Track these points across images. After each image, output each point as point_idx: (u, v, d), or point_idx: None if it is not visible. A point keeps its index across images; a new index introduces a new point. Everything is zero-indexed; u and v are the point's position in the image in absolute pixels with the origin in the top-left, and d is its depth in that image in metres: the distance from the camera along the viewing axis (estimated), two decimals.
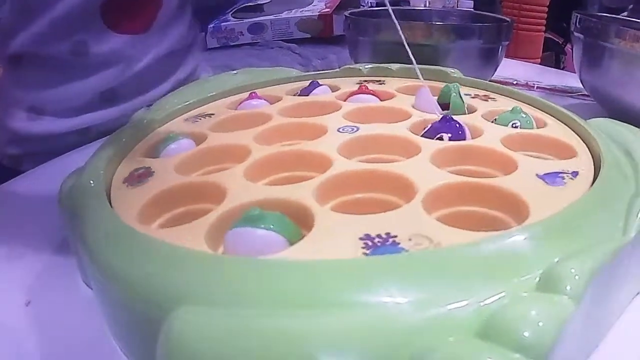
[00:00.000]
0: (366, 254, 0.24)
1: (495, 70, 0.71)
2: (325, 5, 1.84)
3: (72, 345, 0.30)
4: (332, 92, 0.51)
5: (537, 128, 0.39)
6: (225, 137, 0.40)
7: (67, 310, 0.33)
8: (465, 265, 0.22)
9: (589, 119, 0.42)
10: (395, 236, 0.25)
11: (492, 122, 0.41)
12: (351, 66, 0.58)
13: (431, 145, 0.35)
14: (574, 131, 0.40)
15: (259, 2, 2.02)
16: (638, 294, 0.31)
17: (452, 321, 0.20)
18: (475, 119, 0.41)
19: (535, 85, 0.77)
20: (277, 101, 0.48)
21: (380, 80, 0.54)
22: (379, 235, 0.25)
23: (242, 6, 1.94)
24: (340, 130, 0.39)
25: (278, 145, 0.38)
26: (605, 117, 0.48)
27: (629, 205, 0.28)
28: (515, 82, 0.77)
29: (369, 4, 2.64)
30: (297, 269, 0.22)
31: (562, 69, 2.85)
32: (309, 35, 1.87)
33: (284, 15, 1.84)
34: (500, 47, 0.68)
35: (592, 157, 0.35)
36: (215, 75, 0.60)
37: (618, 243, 0.24)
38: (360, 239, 0.25)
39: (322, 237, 0.25)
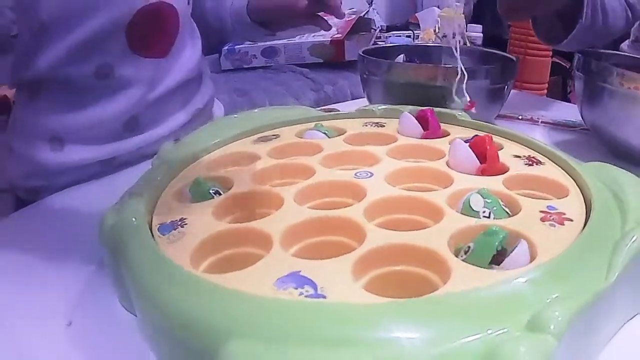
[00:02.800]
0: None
1: (502, 106, 0.74)
2: (337, 30, 1.89)
3: None
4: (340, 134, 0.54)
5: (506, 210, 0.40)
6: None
7: (107, 331, 0.37)
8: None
9: (589, 153, 0.46)
10: None
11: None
12: (365, 107, 0.62)
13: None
14: (569, 174, 0.44)
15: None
16: (625, 323, 0.35)
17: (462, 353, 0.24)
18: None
19: (540, 120, 0.80)
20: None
21: (379, 123, 0.58)
22: None
23: None
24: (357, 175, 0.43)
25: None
26: (605, 151, 0.52)
27: (613, 250, 0.31)
28: (520, 117, 0.81)
29: (380, 28, 2.69)
30: (333, 311, 0.26)
31: (569, 93, 2.88)
32: (321, 60, 1.92)
33: (297, 40, 1.89)
34: (507, 86, 0.72)
35: (584, 201, 0.39)
36: (239, 114, 0.64)
37: (600, 287, 0.28)
38: None
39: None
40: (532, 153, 0.48)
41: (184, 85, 0.77)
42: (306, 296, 0.28)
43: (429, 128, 0.53)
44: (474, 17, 3.08)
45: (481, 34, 2.66)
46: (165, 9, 0.69)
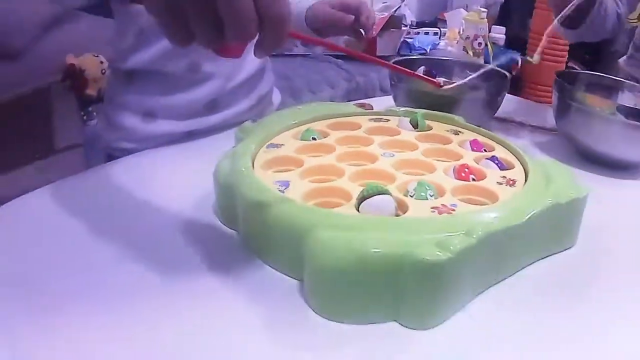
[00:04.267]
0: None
1: (495, 112, 0.95)
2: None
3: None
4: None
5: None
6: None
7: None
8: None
9: (559, 152, 0.70)
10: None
11: None
12: (392, 108, 0.83)
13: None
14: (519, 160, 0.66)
15: None
16: (537, 260, 0.57)
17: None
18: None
19: (528, 123, 1.01)
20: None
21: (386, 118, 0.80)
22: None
23: None
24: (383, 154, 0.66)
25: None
26: (572, 151, 0.75)
27: (532, 202, 0.54)
28: (511, 120, 1.02)
29: (410, 24, 2.88)
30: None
31: None
32: None
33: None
34: (500, 97, 0.93)
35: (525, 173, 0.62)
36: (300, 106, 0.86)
37: (511, 224, 0.51)
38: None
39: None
40: (504, 150, 0.70)
41: (252, 77, 0.99)
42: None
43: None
44: (499, 19, 3.26)
45: (504, 36, 2.83)
46: None
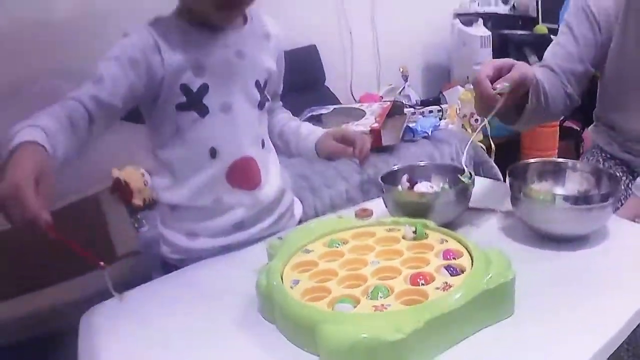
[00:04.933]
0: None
1: (466, 207, 1.16)
2: (375, 119, 2.38)
3: None
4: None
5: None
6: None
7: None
8: None
9: (517, 232, 1.05)
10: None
11: None
12: (396, 219, 1.05)
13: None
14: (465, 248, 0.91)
15: (320, 112, 2.57)
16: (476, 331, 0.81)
17: None
18: None
19: (497, 209, 1.23)
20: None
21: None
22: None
23: (308, 116, 2.49)
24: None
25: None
26: (527, 231, 1.02)
27: (469, 285, 0.79)
28: (480, 208, 1.24)
29: (415, 103, 3.16)
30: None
31: (582, 153, 3.26)
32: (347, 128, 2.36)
33: (343, 128, 2.37)
34: (468, 194, 1.16)
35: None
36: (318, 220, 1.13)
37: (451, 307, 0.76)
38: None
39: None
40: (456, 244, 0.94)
41: (272, 202, 1.25)
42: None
43: None
44: None
45: None
46: (249, 160, 1.19)
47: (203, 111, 1.13)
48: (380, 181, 1.18)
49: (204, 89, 1.13)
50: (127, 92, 1.06)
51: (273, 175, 1.25)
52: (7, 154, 0.83)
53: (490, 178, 2.61)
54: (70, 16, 2.50)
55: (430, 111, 2.97)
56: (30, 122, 0.90)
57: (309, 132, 1.32)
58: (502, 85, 1.16)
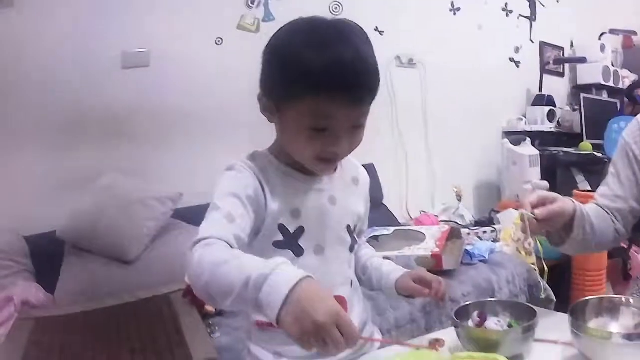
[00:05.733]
0: None
1: (532, 340, 1.28)
2: (435, 243, 2.53)
3: None
4: None
5: None
6: None
7: None
8: None
9: None
10: None
11: None
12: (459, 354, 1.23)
13: None
14: None
15: (382, 233, 2.73)
16: None
17: None
18: None
19: (559, 341, 1.35)
20: None
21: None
22: None
23: (370, 236, 2.64)
24: None
25: None
26: None
27: None
28: (546, 341, 1.38)
29: (469, 223, 3.31)
30: None
31: (629, 270, 3.32)
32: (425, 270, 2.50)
33: (405, 252, 2.53)
34: (533, 330, 1.28)
35: None
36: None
37: None
38: None
39: None
40: None
41: (360, 329, 1.38)
42: None
43: None
44: None
45: None
46: (339, 300, 1.18)
47: (298, 251, 1.22)
48: (454, 317, 1.33)
49: (300, 231, 1.22)
50: (249, 230, 1.13)
51: (358, 311, 1.37)
52: (268, 286, 0.93)
53: (544, 300, 2.72)
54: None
55: (484, 232, 3.10)
56: (271, 261, 0.97)
57: (390, 271, 1.44)
58: (537, 212, 1.37)
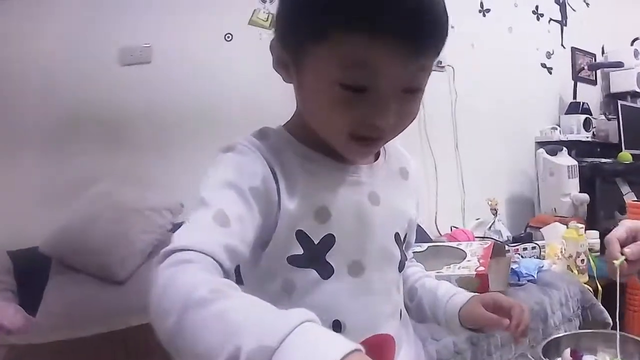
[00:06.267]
0: None
1: None
2: (478, 261, 2.20)
3: None
4: None
5: None
6: None
7: None
8: None
9: None
10: None
11: None
12: None
13: None
14: None
15: (414, 250, 2.40)
16: None
17: None
18: None
19: None
20: None
21: None
22: None
23: None
24: None
25: None
26: None
27: None
28: None
29: (507, 239, 2.99)
30: None
31: None
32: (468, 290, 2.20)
33: (444, 271, 2.19)
34: None
35: None
36: None
37: None
38: None
39: None
40: None
41: None
42: None
43: None
44: (588, 221, 3.33)
45: (599, 240, 2.84)
46: (385, 339, 0.92)
47: (326, 271, 0.86)
48: (542, 356, 1.00)
49: (329, 241, 0.85)
50: (253, 238, 0.78)
51: (408, 353, 1.00)
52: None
53: (599, 321, 2.42)
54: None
55: (525, 248, 2.78)
56: (281, 316, 0.57)
57: (449, 295, 1.07)
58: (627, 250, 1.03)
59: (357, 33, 0.73)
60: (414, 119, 0.85)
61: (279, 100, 0.86)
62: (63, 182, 2.27)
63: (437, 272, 2.16)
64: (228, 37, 2.74)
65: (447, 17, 0.79)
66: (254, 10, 2.78)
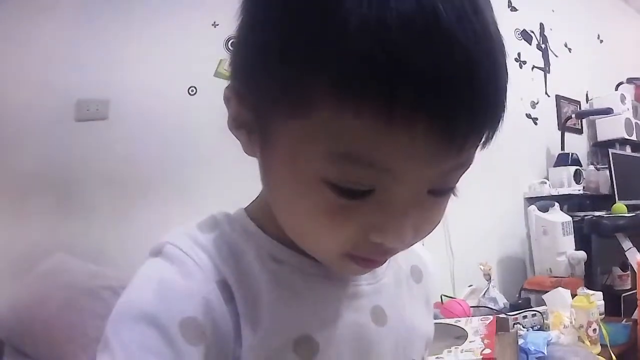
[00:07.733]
0: None
1: None
2: (482, 340, 1.90)
3: None
4: None
5: None
6: None
7: None
8: None
9: None
10: None
11: None
12: None
13: None
14: None
15: None
16: None
17: None
18: None
19: None
20: None
21: None
22: None
23: None
24: None
25: None
26: None
27: None
28: None
29: (504, 304, 2.71)
30: None
31: None
32: None
33: (446, 357, 1.86)
34: None
35: None
36: None
37: None
38: None
39: None
40: None
41: None
42: None
43: None
44: (586, 278, 3.09)
45: (603, 302, 2.64)
46: None
47: None
48: None
49: None
50: None
51: None
52: None
53: None
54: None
55: (525, 316, 2.50)
56: None
57: None
58: None
59: (362, 107, 0.45)
60: (434, 227, 0.60)
61: (248, 160, 0.59)
62: (15, 251, 2.02)
63: (437, 358, 1.85)
64: (192, 90, 2.49)
65: (507, 81, 0.51)
66: (220, 60, 2.53)
